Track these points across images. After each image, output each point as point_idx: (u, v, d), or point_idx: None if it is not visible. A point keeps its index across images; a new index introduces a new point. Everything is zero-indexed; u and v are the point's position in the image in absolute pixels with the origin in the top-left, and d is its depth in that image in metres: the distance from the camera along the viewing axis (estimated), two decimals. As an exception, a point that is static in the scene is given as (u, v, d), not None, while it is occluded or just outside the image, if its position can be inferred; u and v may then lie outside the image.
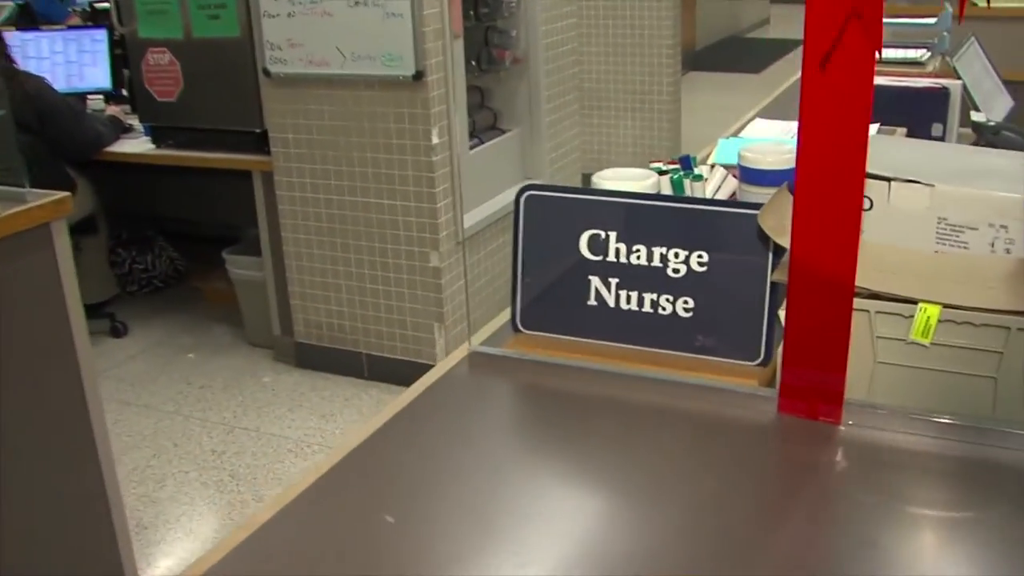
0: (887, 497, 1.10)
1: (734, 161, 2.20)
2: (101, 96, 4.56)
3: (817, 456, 1.19)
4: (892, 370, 1.21)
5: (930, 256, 1.28)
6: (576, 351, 1.39)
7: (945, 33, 3.75)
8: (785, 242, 1.22)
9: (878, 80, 2.96)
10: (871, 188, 1.22)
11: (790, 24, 9.79)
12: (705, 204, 1.31)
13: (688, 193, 1.66)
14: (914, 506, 1.09)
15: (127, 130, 4.20)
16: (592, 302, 1.38)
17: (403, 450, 1.20)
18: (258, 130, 3.76)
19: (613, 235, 1.35)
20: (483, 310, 3.99)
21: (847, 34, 1.07)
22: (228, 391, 3.89)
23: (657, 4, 5.82)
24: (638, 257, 1.34)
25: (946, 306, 1.16)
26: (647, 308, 1.35)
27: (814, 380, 1.21)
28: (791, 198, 1.44)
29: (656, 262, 1.33)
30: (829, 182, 1.13)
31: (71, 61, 4.67)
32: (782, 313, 1.25)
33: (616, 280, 1.36)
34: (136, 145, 4.09)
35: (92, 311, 4.01)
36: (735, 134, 2.63)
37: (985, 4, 4.25)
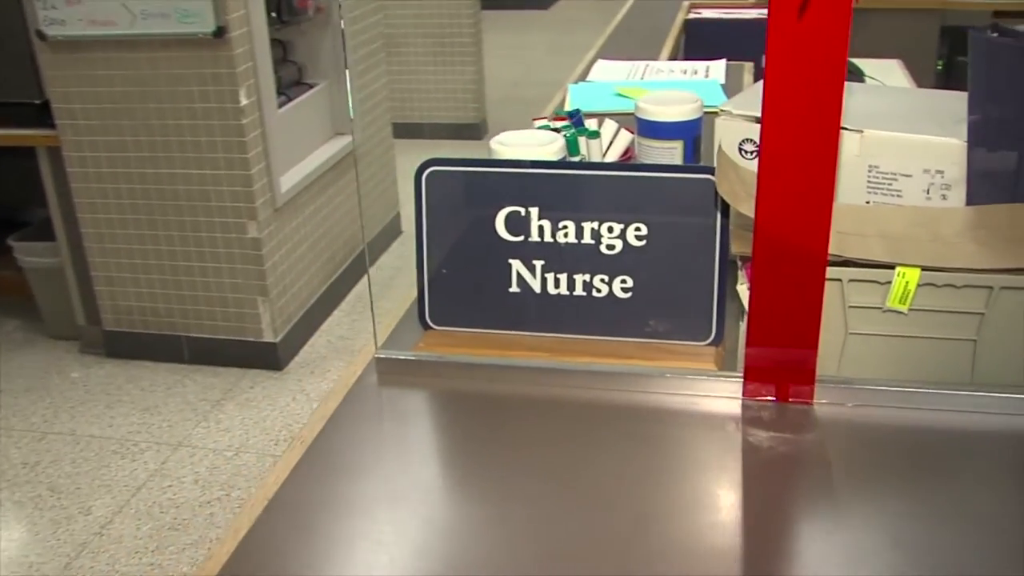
0: (867, 479, 0.99)
1: (592, 108, 2.06)
2: None
3: (790, 442, 1.07)
4: (864, 341, 1.10)
5: (895, 212, 1.18)
6: (500, 346, 1.22)
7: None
8: (745, 209, 1.08)
9: (715, 14, 2.90)
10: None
11: (572, -43, 9.76)
12: (643, 170, 1.16)
13: (583, 151, 1.51)
14: (896, 484, 0.99)
15: None
16: (515, 289, 1.21)
17: (317, 510, 1.01)
18: (38, 101, 3.36)
19: (535, 211, 1.18)
20: (307, 280, 3.75)
21: (821, -30, 0.93)
22: (32, 393, 3.51)
23: (451, -58, 5.62)
24: (566, 234, 1.18)
25: (924, 269, 1.06)
26: (579, 291, 1.19)
27: (782, 360, 1.09)
28: (737, 161, 1.31)
29: (587, 239, 1.17)
30: (800, 142, 0.99)
31: None
32: (741, 289, 1.12)
33: (541, 262, 1.19)
34: None
35: None
36: (582, 78, 2.49)
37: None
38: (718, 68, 2.42)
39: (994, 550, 0.90)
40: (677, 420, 1.11)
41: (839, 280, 1.07)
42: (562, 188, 1.17)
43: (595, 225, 1.16)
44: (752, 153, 1.37)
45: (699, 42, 2.98)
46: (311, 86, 3.86)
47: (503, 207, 1.18)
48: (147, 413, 3.34)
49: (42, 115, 3.36)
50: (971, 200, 1.27)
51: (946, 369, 1.10)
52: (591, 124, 1.57)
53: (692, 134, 1.48)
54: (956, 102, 1.34)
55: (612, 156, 1.56)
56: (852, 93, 1.37)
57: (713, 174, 1.12)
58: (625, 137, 1.57)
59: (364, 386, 1.20)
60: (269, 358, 3.54)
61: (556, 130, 1.48)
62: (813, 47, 0.96)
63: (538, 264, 1.19)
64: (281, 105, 3.54)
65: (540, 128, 1.52)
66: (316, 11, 3.74)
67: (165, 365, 3.61)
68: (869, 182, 1.32)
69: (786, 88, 0.98)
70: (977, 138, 1.25)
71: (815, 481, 1.02)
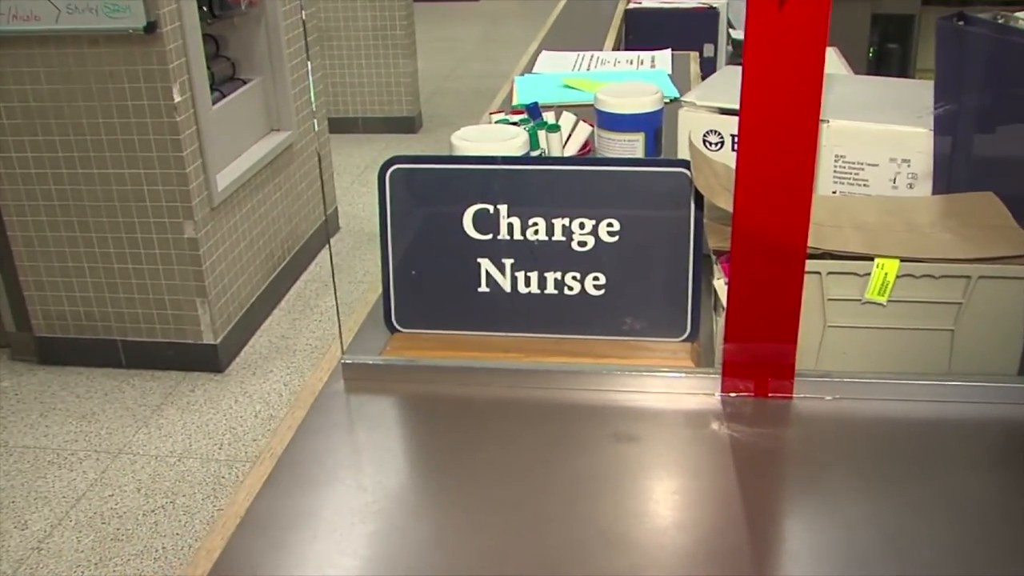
0: (848, 471, 0.98)
1: (541, 100, 2.03)
2: None
3: (770, 437, 1.05)
4: (843, 333, 1.09)
5: (867, 202, 1.17)
6: (470, 348, 1.18)
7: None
8: (722, 203, 1.06)
9: (655, 3, 2.88)
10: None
11: (501, -52, 9.73)
12: (616, 164, 1.13)
13: (543, 145, 1.48)
14: (878, 475, 0.98)
15: None
16: (484, 288, 1.18)
17: (291, 526, 0.97)
18: (-42, 99, 3.24)
19: (504, 208, 1.14)
20: (246, 279, 3.68)
21: (801, -42, 0.91)
22: (-39, 403, 3.40)
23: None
24: (536, 232, 1.15)
25: (902, 260, 1.04)
26: (550, 289, 1.16)
27: (761, 354, 1.07)
28: (707, 155, 1.29)
29: (558, 235, 1.14)
30: (779, 133, 0.97)
31: None
32: (718, 284, 1.10)
33: (511, 260, 1.16)
34: None
35: None
36: (528, 70, 2.46)
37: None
38: (664, 58, 2.41)
39: (976, 537, 0.90)
40: (655, 418, 1.09)
41: (818, 273, 1.05)
42: (532, 184, 1.13)
43: (566, 221, 1.14)
44: (716, 144, 1.35)
45: (640, 32, 2.97)
46: (245, 82, 3.78)
47: (470, 205, 1.15)
48: (84, 421, 3.25)
49: (-35, 115, 3.24)
50: (938, 189, 1.26)
51: (925, 359, 1.09)
52: (548, 117, 1.54)
53: (653, 126, 1.45)
54: (922, 91, 1.33)
55: (571, 149, 1.53)
56: (816, 82, 1.35)
57: (688, 167, 1.10)
58: (584, 130, 1.55)
59: (331, 393, 1.16)
60: (209, 360, 3.46)
61: (515, 123, 1.45)
62: (793, 37, 0.94)
63: (508, 263, 1.16)
64: (215, 102, 3.46)
65: (499, 122, 1.48)
66: (249, 5, 3.66)
67: (101, 370, 3.51)
68: (835, 172, 1.31)
69: (765, 79, 0.96)
70: (943, 127, 1.25)
71: (796, 475, 1.01)
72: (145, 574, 2.55)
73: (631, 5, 3.14)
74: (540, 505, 0.96)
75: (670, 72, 2.29)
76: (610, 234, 1.13)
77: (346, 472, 1.02)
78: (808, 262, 1.03)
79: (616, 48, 2.88)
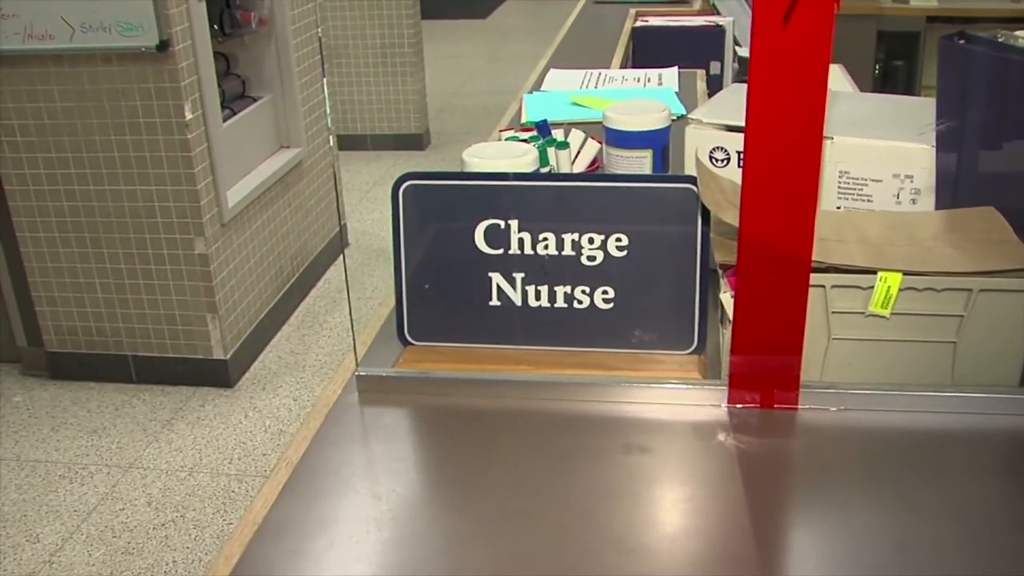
0: (853, 482, 1.00)
1: (549, 117, 2.06)
2: None
3: (776, 448, 1.07)
4: (847, 346, 1.11)
5: (870, 217, 1.19)
6: (482, 361, 1.21)
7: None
8: (729, 218, 1.09)
9: (662, 21, 2.91)
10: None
11: (508, -33, 9.79)
12: (624, 180, 1.16)
13: (552, 162, 1.50)
14: (882, 485, 0.99)
15: None
16: (495, 302, 1.20)
17: (307, 533, 0.99)
18: (-27, 117, 3.28)
19: (515, 224, 1.17)
20: (256, 295, 3.71)
21: (805, -20, 0.94)
22: (-27, 418, 3.43)
23: (390, -48, 5.60)
24: (546, 246, 1.17)
25: (905, 273, 1.07)
26: (560, 303, 1.19)
27: (767, 366, 1.10)
28: (713, 171, 1.32)
29: (568, 250, 1.17)
30: (784, 149, 1.00)
31: None
32: (724, 297, 1.12)
33: (521, 275, 1.18)
34: None
35: None
36: (536, 88, 2.49)
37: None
38: (671, 76, 2.44)
39: (980, 548, 0.91)
40: (662, 429, 1.11)
41: (822, 286, 1.08)
42: (542, 200, 1.16)
43: (575, 236, 1.16)
44: (722, 161, 1.38)
45: (648, 50, 3.00)
46: (255, 99, 3.81)
47: (482, 220, 1.18)
48: (95, 435, 3.28)
49: (-21, 133, 3.28)
50: (940, 204, 1.29)
51: (927, 371, 1.11)
52: (557, 134, 1.57)
53: (661, 143, 1.48)
54: (924, 108, 1.36)
55: (580, 166, 1.56)
56: (821, 100, 1.38)
57: (694, 183, 1.13)
58: (593, 147, 1.57)
59: (346, 404, 1.18)
60: (219, 375, 3.49)
61: (525, 141, 1.48)
62: (797, 53, 0.96)
63: (518, 277, 1.19)
64: (226, 119, 3.50)
65: (509, 139, 1.51)
66: (259, 23, 3.70)
67: (112, 385, 3.54)
68: (839, 187, 1.33)
69: (770, 95, 0.98)
70: (945, 143, 1.27)
71: (801, 486, 1.03)
72: (156, 587, 2.57)
73: (638, 23, 3.17)
74: (552, 515, 0.98)
75: (677, 90, 2.32)
76: (619, 249, 1.16)
77: (361, 482, 1.04)
78: (812, 276, 1.05)
79: (623, 66, 2.91)
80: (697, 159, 1.24)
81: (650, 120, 1.47)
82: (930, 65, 4.80)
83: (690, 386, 1.14)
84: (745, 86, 0.99)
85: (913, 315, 1.08)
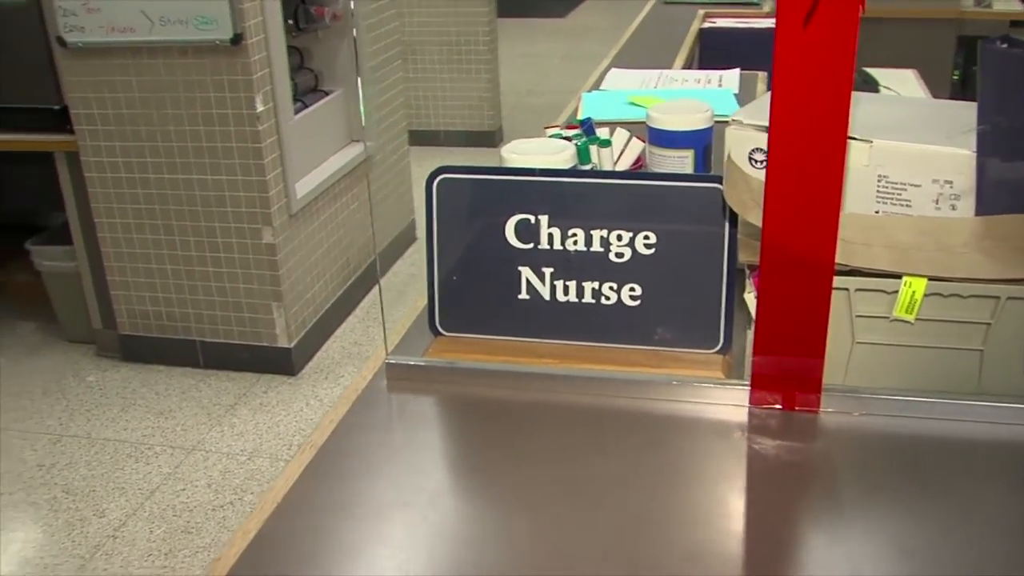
0: (873, 487, 1.00)
1: (605, 116, 2.07)
2: None
3: (796, 450, 1.07)
4: (871, 350, 1.11)
5: (900, 222, 1.18)
6: (509, 353, 1.23)
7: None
8: (753, 218, 1.09)
9: (730, 23, 2.90)
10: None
11: (589, -34, 9.78)
12: (652, 179, 1.17)
13: (594, 160, 1.52)
14: (902, 493, 0.99)
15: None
16: (524, 296, 1.22)
17: (327, 513, 1.02)
18: (57, 106, 3.39)
19: (544, 219, 1.19)
20: (321, 285, 3.77)
21: (829, -18, 0.94)
22: (49, 396, 3.54)
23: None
24: (575, 242, 1.19)
25: (931, 279, 1.06)
26: (588, 299, 1.20)
27: (789, 368, 1.10)
28: (746, 170, 1.32)
29: (596, 246, 1.18)
30: (807, 151, 1.00)
31: None
32: (748, 297, 1.13)
33: (550, 270, 1.20)
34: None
35: None
36: (596, 87, 2.50)
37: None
38: (731, 77, 2.43)
39: (1001, 559, 0.91)
40: (684, 427, 1.12)
41: (846, 289, 1.08)
42: (571, 196, 1.17)
43: (604, 233, 1.17)
44: (762, 163, 1.37)
45: (715, 51, 2.99)
46: (327, 93, 3.88)
47: (513, 215, 1.19)
48: (161, 417, 3.36)
49: (60, 120, 3.38)
50: (980, 210, 1.27)
51: (952, 379, 1.10)
52: (603, 133, 1.58)
53: (703, 143, 1.48)
54: (965, 112, 1.34)
55: (623, 165, 1.57)
56: (861, 103, 1.37)
57: (721, 183, 1.13)
58: (636, 146, 1.58)
59: (374, 391, 1.21)
60: (283, 363, 3.56)
61: (568, 138, 1.49)
62: (820, 56, 0.96)
63: (547, 271, 1.20)
64: (297, 112, 3.56)
65: (552, 136, 1.53)
66: (333, 18, 3.76)
67: (180, 369, 3.63)
68: (878, 192, 1.32)
69: (793, 97, 0.99)
70: (986, 148, 1.26)
71: (821, 489, 1.03)
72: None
73: (706, 24, 3.16)
74: (569, 506, 0.99)
75: (737, 91, 2.31)
76: (647, 246, 1.17)
77: (384, 466, 1.07)
78: (836, 278, 1.05)
79: (688, 66, 2.90)
80: (728, 158, 1.25)
81: (692, 120, 1.47)
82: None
83: (713, 385, 1.15)
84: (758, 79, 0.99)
85: (939, 321, 1.08)
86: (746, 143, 1.38)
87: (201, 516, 2.85)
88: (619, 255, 1.18)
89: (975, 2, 4.59)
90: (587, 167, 1.50)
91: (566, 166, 1.33)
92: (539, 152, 1.34)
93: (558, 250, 1.19)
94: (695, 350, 1.19)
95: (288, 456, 3.13)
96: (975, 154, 1.26)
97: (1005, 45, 1.22)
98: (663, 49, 3.01)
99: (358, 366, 3.66)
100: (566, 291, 1.20)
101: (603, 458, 1.07)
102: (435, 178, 1.21)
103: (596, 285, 1.19)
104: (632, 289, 1.19)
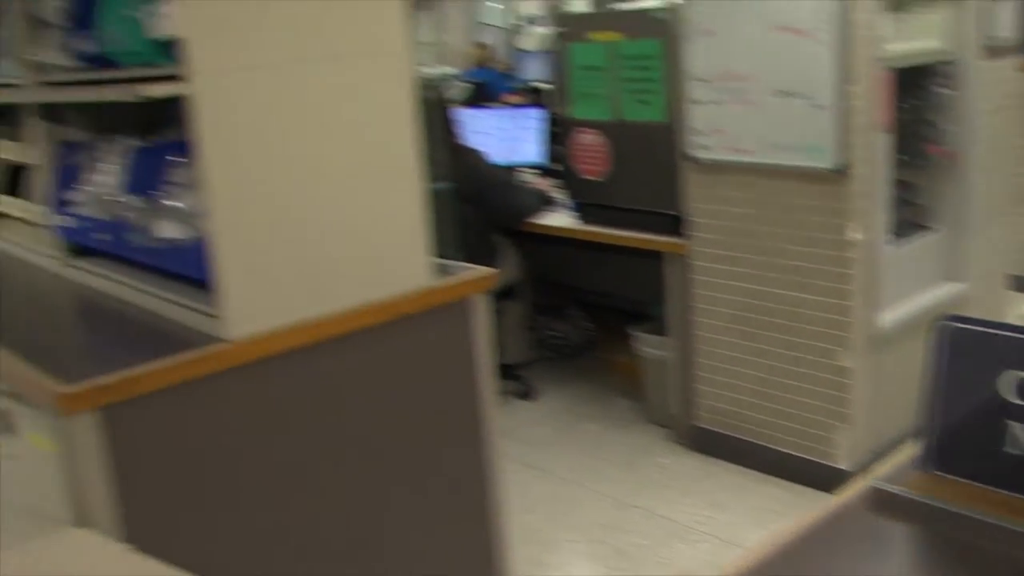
0: None
1: None
2: (533, 170, 4.86)
3: None
4: None
5: None
6: (991, 503, 1.26)
7: None
8: None
9: None
10: None
11: None
12: None
13: None
14: None
15: (550, 203, 4.43)
16: (1009, 449, 1.25)
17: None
18: (675, 213, 3.82)
19: (1045, 382, 1.22)
20: (891, 415, 3.78)
21: None
22: (624, 467, 3.96)
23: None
24: (1071, 407, 1.20)
25: None
26: (1076, 464, 1.21)
27: None
28: None
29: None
30: None
31: (509, 136, 5.02)
32: None
33: (1044, 430, 1.23)
34: (560, 218, 4.30)
35: (506, 371, 4.26)
36: None
37: None
38: None
39: None
40: None
41: None
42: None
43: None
44: None
45: None
46: (928, 229, 3.89)
47: (1011, 369, 1.24)
48: (714, 508, 3.60)
49: (675, 225, 3.81)
50: None
51: None
52: None
53: None
54: None
55: None
56: None
57: None
58: None
59: (852, 508, 1.32)
60: (838, 484, 3.62)
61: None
62: None
63: (1041, 431, 1.23)
64: (893, 243, 3.64)
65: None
66: (944, 156, 3.79)
67: (739, 468, 3.84)
68: None
69: None
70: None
71: None
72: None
73: None
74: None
75: None
76: None
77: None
78: None
79: None
80: None
81: None
82: None
83: None
84: None
85: None
86: None
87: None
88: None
89: None
90: None
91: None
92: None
93: (1053, 412, 1.21)
94: None
95: None
96: None
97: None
98: None
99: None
100: (1056, 454, 1.22)
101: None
102: (941, 324, 1.30)
103: (1089, 453, 1.20)
104: None
